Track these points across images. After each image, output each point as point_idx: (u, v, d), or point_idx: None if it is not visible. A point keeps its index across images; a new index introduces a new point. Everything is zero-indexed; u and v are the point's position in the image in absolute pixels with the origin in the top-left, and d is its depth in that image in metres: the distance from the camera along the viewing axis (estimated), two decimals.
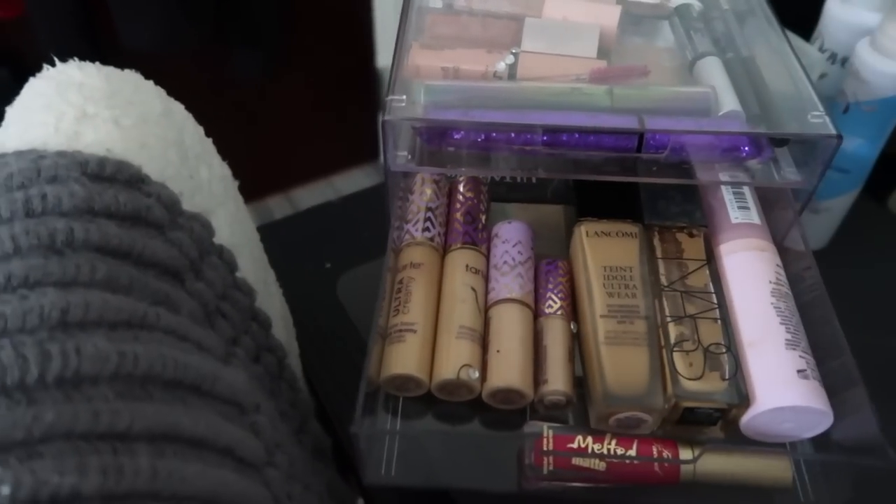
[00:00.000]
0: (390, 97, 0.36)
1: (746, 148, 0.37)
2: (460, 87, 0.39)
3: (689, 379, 0.35)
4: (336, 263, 0.58)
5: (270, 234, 0.46)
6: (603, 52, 0.42)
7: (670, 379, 0.35)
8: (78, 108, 0.32)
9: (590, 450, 0.35)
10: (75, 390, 0.24)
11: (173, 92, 0.37)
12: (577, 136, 0.36)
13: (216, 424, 0.28)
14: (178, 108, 0.38)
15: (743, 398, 0.34)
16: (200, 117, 0.38)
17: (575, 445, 0.35)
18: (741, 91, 0.39)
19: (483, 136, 0.37)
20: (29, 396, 0.23)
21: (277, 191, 1.55)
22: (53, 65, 0.34)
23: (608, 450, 0.35)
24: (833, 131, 0.35)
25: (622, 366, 0.35)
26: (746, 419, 0.34)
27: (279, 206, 1.51)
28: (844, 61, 0.52)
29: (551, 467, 0.35)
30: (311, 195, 1.54)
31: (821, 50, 0.53)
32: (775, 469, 0.36)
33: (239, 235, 0.39)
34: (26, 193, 0.28)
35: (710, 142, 0.37)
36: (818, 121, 0.36)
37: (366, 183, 1.01)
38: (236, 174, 0.41)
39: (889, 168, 0.57)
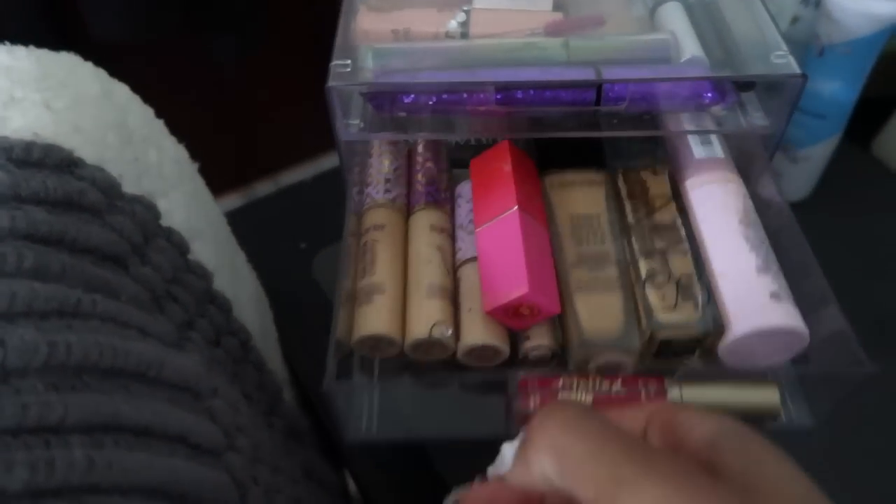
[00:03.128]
0: (334, 63, 0.35)
1: (709, 94, 0.35)
2: (410, 50, 0.37)
3: (663, 311, 0.34)
4: (310, 243, 0.57)
5: (243, 217, 0.45)
6: (560, 5, 0.40)
7: (644, 313, 0.34)
8: (5, 92, 0.30)
9: (575, 385, 0.34)
10: (2, 384, 0.23)
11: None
12: (532, 92, 0.35)
13: (164, 412, 0.27)
14: (122, 89, 0.36)
15: (718, 325, 0.33)
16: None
17: (560, 384, 0.35)
18: (703, 36, 0.37)
19: (435, 99, 0.36)
20: None
21: (265, 176, 1.53)
22: None
23: (594, 384, 0.34)
24: (797, 71, 0.34)
25: (596, 311, 0.35)
26: (724, 346, 0.33)
27: (266, 191, 1.49)
28: (818, 3, 0.50)
29: (538, 405, 0.34)
30: (298, 178, 1.51)
31: None
32: (763, 396, 0.35)
33: (197, 218, 0.38)
34: None
35: (671, 89, 0.35)
36: (782, 61, 0.34)
37: None
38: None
39: (871, 112, 0.55)
